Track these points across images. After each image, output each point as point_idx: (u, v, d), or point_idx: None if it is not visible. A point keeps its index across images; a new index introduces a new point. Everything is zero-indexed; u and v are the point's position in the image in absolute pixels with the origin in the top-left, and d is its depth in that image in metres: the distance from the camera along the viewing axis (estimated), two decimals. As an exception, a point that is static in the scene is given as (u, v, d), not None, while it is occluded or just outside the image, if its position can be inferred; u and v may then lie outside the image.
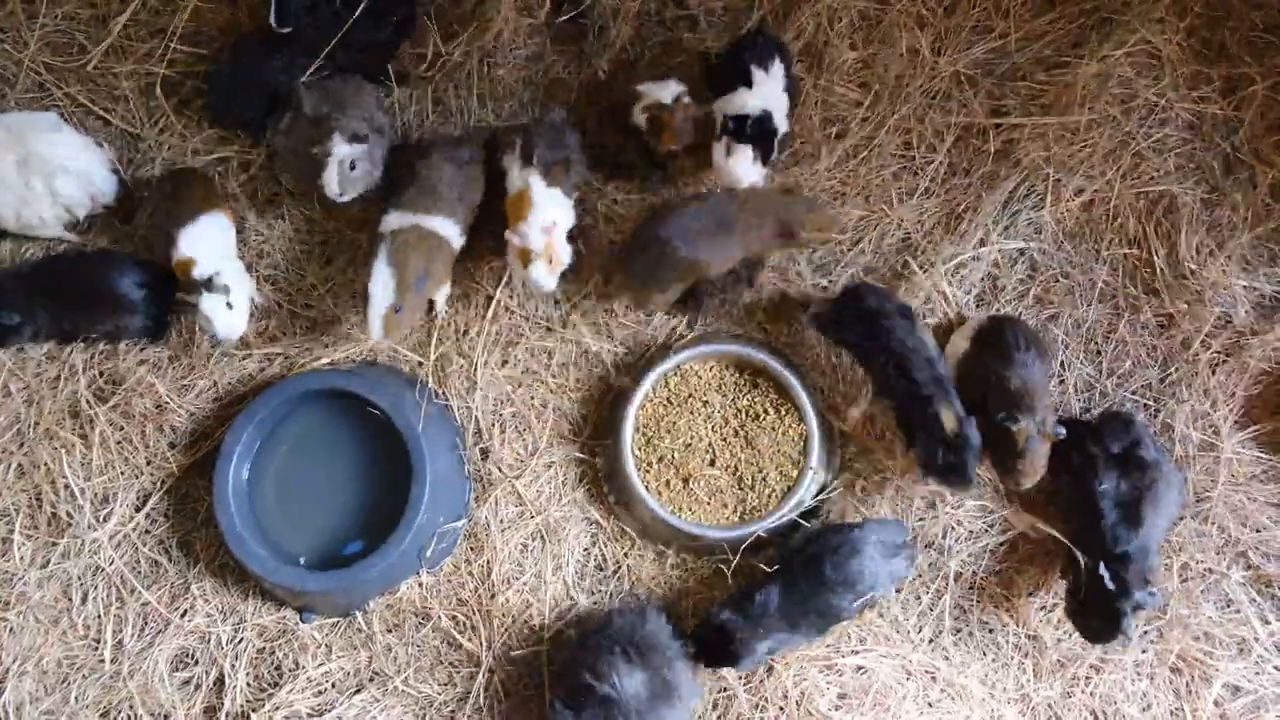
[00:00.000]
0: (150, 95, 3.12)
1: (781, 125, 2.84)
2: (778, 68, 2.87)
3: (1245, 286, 2.95)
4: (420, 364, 2.97)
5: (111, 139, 3.11)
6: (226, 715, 2.77)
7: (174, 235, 2.82)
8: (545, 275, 2.72)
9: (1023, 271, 3.00)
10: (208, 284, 2.76)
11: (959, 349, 2.81)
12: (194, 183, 2.95)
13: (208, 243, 2.85)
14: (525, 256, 2.71)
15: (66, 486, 2.91)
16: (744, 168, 2.78)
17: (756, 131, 2.76)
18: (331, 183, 2.83)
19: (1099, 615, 2.59)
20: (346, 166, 2.83)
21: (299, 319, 3.02)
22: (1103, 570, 2.54)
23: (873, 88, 3.10)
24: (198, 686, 2.80)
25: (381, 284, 2.72)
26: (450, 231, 2.82)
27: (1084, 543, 2.64)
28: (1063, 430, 2.62)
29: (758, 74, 2.83)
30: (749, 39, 2.93)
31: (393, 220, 2.81)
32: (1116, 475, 2.66)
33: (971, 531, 2.85)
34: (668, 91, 2.89)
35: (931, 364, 2.66)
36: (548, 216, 2.74)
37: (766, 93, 2.82)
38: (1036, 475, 2.63)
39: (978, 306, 2.99)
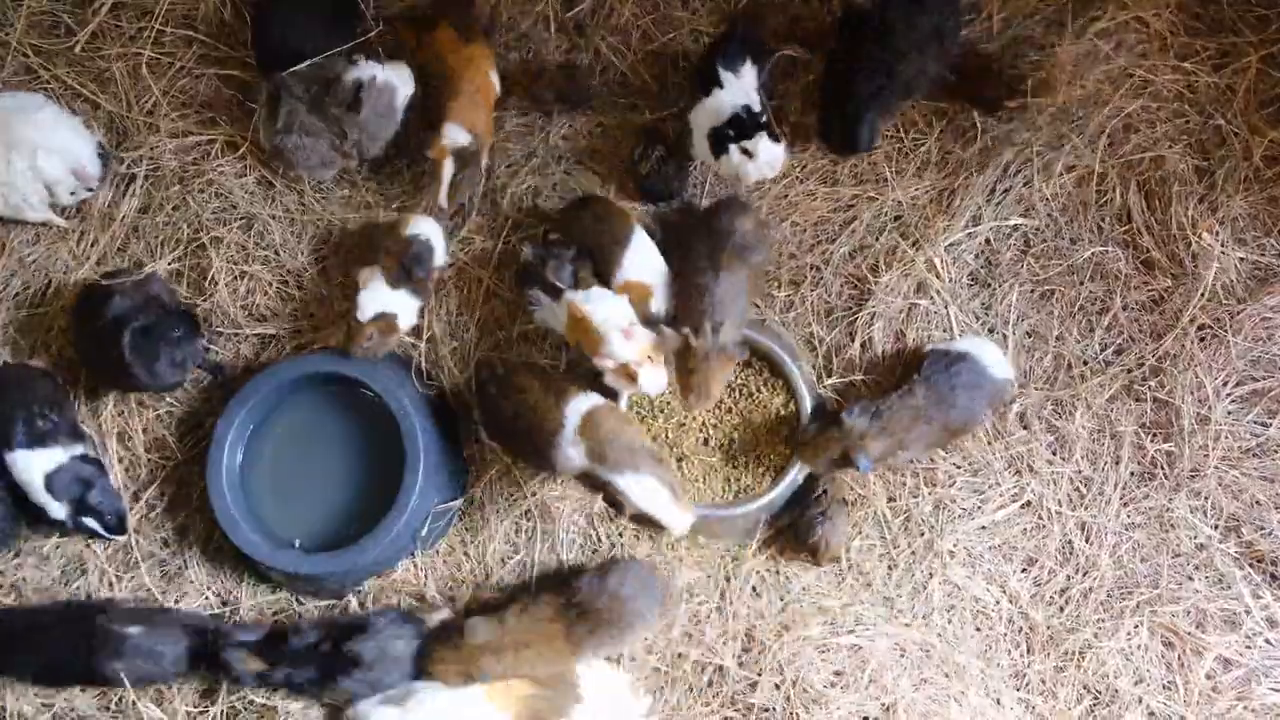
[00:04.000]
0: (138, 78, 3.10)
1: (760, 113, 2.80)
2: (749, 69, 2.85)
3: (1240, 258, 2.95)
4: (414, 346, 2.96)
5: (100, 122, 3.09)
6: (222, 696, 2.77)
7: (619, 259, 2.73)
8: (657, 378, 2.62)
9: (1016, 249, 3.00)
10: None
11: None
12: (613, 208, 2.86)
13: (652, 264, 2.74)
14: (628, 371, 2.60)
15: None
16: (773, 156, 2.75)
17: (753, 120, 2.74)
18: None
19: (837, 121, 2.77)
20: (374, 89, 2.83)
21: (290, 302, 3.01)
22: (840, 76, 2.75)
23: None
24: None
25: (652, 493, 2.53)
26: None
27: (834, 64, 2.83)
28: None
29: (726, 76, 2.81)
30: (720, 43, 2.91)
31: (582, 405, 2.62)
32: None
33: (965, 509, 2.86)
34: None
35: None
36: (617, 321, 2.62)
37: (737, 94, 2.79)
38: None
39: (971, 285, 2.99)
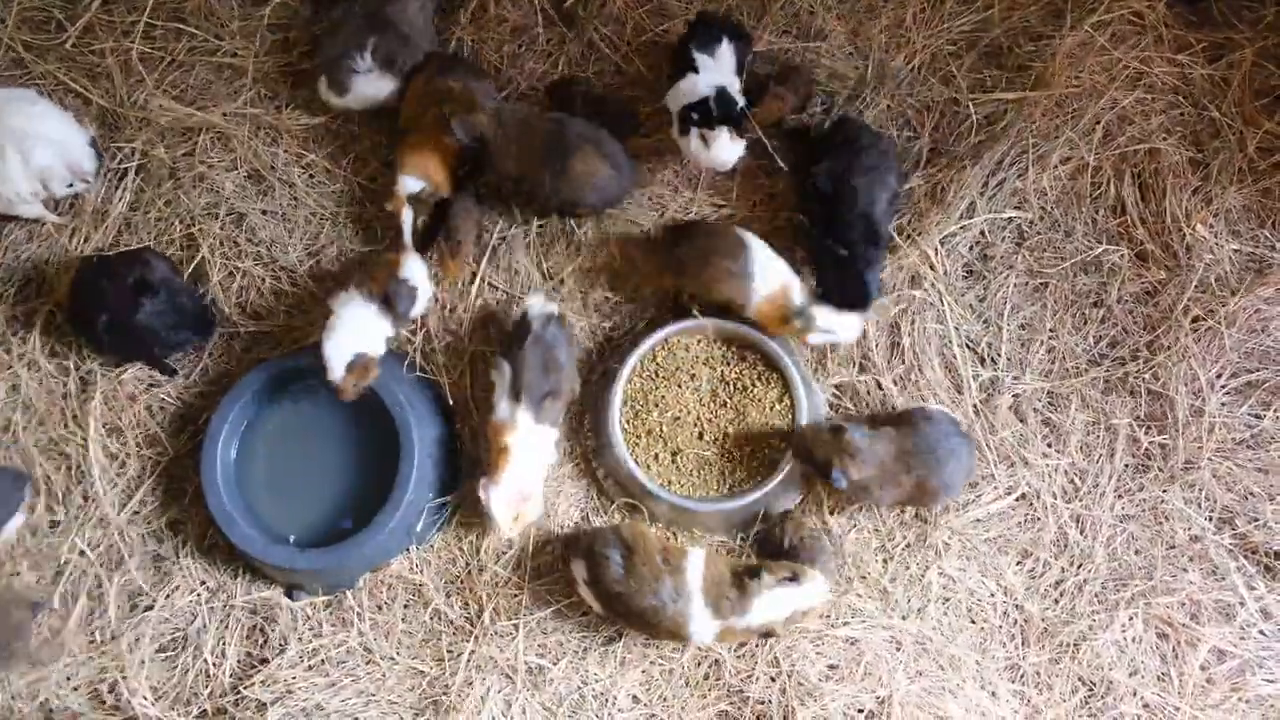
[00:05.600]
0: (130, 72, 3.09)
1: (738, 100, 2.80)
2: (725, 50, 2.84)
3: (1234, 250, 2.95)
4: (408, 341, 2.96)
5: (92, 117, 3.08)
6: (214, 692, 2.77)
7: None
8: (506, 531, 2.73)
9: (1010, 241, 3.00)
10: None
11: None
12: (716, 227, 2.87)
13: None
14: (488, 503, 2.67)
15: (58, 468, 2.90)
16: (725, 152, 2.75)
17: (722, 110, 2.73)
18: None
19: (843, 282, 2.78)
20: None
21: (284, 298, 3.00)
22: (830, 243, 2.77)
23: (856, 61, 3.09)
24: (186, 664, 2.80)
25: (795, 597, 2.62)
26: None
27: (822, 233, 2.83)
28: None
29: (702, 59, 2.80)
30: (693, 25, 2.90)
31: None
32: (829, 162, 2.82)
33: (959, 502, 2.86)
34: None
35: None
36: (524, 483, 2.68)
37: (714, 76, 2.79)
38: None
39: (966, 277, 2.99)
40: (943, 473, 2.67)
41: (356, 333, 2.71)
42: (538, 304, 2.79)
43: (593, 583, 2.65)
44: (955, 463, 2.69)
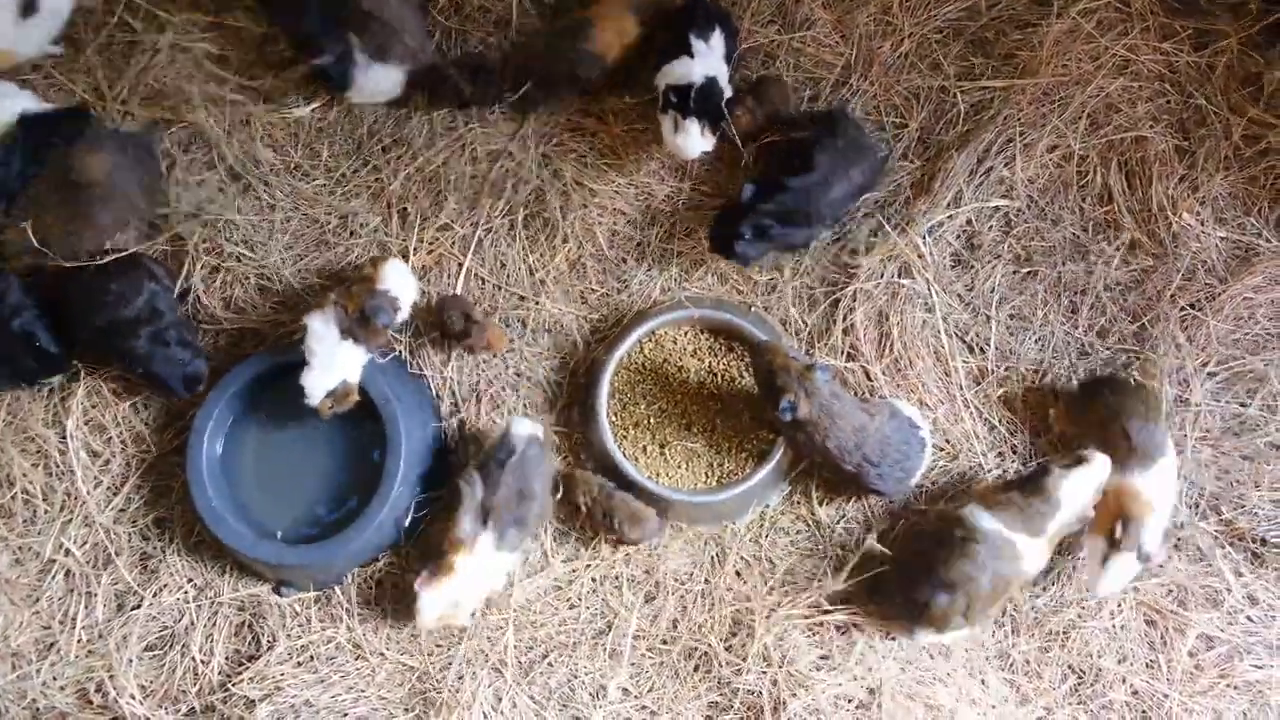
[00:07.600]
0: (112, 66, 3.07)
1: (725, 91, 2.81)
2: (718, 38, 2.84)
3: (1221, 238, 2.95)
4: (396, 336, 2.94)
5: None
6: (202, 689, 2.76)
7: None
8: (425, 626, 2.66)
9: (998, 230, 3.00)
10: None
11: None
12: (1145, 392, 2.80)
13: None
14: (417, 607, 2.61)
15: (37, 465, 2.89)
16: (691, 143, 2.76)
17: (701, 102, 2.73)
18: None
19: (722, 225, 2.77)
20: None
21: (269, 294, 2.98)
22: (746, 187, 2.74)
23: (843, 49, 3.08)
24: (174, 662, 2.79)
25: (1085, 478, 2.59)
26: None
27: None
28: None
29: (698, 45, 2.80)
30: (689, 8, 2.89)
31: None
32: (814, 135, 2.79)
33: (947, 492, 2.86)
34: None
35: None
36: (461, 597, 2.62)
37: (708, 63, 2.79)
38: None
39: (954, 266, 2.99)
40: (883, 463, 2.66)
41: (333, 366, 2.69)
42: (523, 426, 2.70)
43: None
44: (903, 460, 2.68)
